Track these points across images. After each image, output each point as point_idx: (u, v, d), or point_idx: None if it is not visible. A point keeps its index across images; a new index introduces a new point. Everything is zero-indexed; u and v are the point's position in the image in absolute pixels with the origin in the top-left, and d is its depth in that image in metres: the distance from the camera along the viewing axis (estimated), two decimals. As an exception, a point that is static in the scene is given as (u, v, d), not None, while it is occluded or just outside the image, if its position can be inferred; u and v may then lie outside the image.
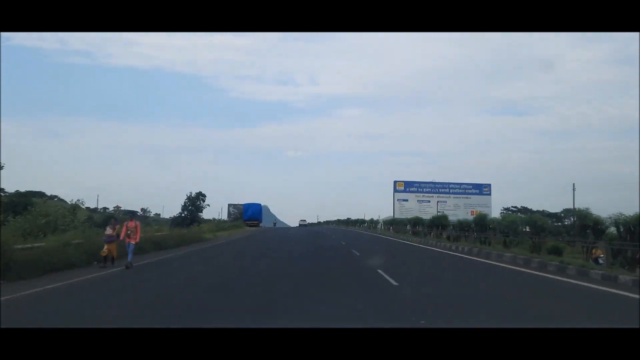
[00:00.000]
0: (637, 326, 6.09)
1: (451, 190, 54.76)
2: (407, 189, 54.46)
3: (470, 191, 54.76)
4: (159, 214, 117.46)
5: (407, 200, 54.22)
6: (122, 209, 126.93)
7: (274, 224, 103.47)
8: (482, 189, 54.80)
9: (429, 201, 54.37)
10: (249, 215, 72.64)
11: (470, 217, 51.27)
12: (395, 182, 54.68)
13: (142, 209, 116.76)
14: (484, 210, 53.15)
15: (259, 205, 76.52)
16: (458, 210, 54.14)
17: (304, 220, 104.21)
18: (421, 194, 54.55)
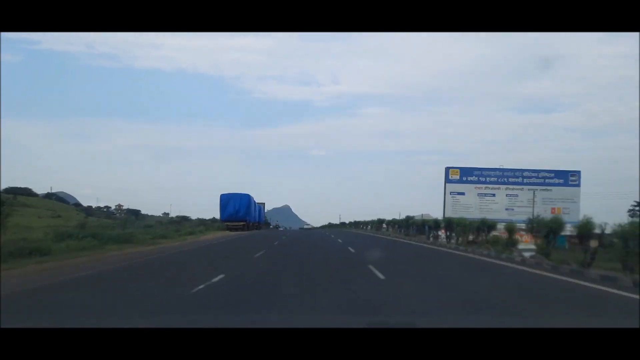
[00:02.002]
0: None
1: (525, 180, 40.43)
2: (464, 179, 40.42)
3: (551, 180, 40.32)
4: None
5: (463, 193, 40.19)
6: (123, 207, 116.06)
7: (277, 227, 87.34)
8: (568, 178, 40.27)
9: (494, 195, 40.19)
10: (231, 212, 49.21)
11: (548, 216, 37.35)
12: (447, 169, 40.71)
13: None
14: (570, 208, 38.87)
15: (247, 197, 53.01)
16: (534, 207, 39.86)
17: (309, 225, 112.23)
18: (483, 185, 40.40)
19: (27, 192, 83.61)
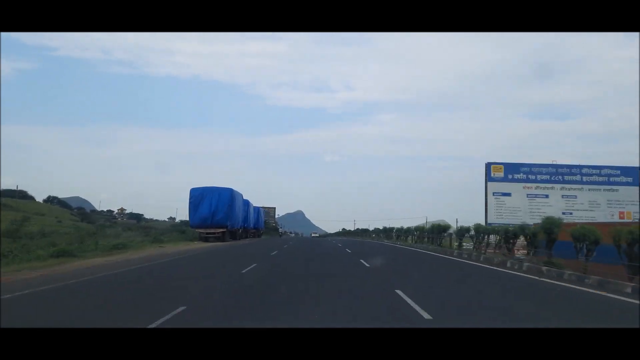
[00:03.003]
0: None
1: (584, 179, 33.36)
2: (509, 176, 33.51)
3: (617, 179, 33.19)
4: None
5: (508, 194, 33.26)
6: (126, 211, 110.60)
7: (282, 234, 77.59)
8: (637, 176, 33.14)
9: (547, 196, 33.19)
10: (204, 214, 35.93)
11: (615, 220, 30.35)
12: (488, 165, 33.84)
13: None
14: (640, 211, 31.75)
15: (229, 192, 37.86)
16: (596, 209, 32.83)
17: (316, 233, 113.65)
18: (533, 184, 33.42)
19: (21, 195, 78.39)
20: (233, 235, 40.58)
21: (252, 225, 53.60)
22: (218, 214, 36.50)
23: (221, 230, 36.32)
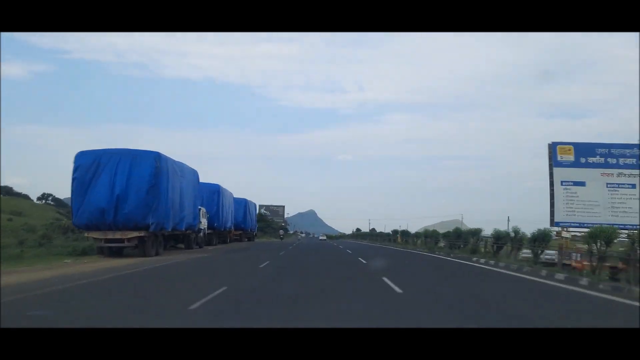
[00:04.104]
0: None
1: (685, 162, 25.09)
2: (581, 160, 25.38)
3: None
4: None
5: (582, 183, 25.14)
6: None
7: (281, 237, 64.08)
8: None
9: (634, 185, 24.98)
10: (100, 203, 19.78)
11: None
12: (553, 145, 25.72)
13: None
14: None
15: (151, 159, 21.08)
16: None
17: (324, 237, 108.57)
18: (615, 171, 25.24)
19: (5, 192, 72.02)
20: (178, 240, 27.29)
21: (230, 224, 39.33)
22: (127, 201, 20.02)
23: (136, 234, 20.33)
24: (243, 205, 46.36)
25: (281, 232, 70.54)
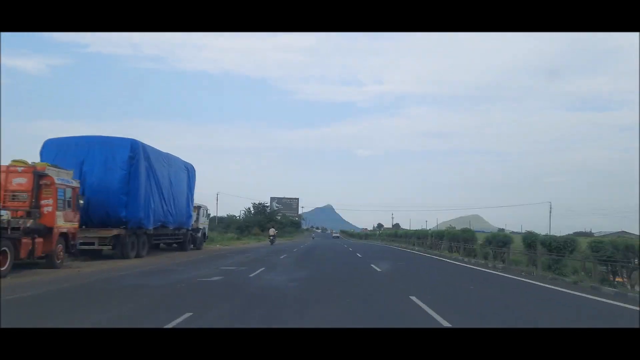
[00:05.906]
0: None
1: None
2: None
3: None
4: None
5: None
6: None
7: (270, 239, 44.86)
8: None
9: None
10: None
11: None
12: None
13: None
14: None
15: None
16: None
17: (337, 234, 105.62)
18: None
19: None
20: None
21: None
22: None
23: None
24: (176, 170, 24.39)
25: (271, 231, 48.04)
